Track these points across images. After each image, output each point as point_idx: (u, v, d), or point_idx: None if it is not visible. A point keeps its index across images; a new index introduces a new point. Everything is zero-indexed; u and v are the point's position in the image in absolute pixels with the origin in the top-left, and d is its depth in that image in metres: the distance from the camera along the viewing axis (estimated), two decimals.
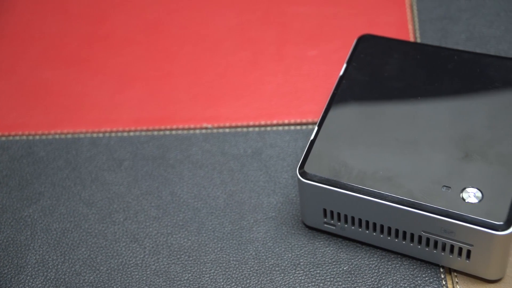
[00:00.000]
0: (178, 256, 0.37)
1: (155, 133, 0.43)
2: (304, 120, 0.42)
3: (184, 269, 0.36)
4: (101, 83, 0.45)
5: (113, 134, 0.43)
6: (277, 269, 0.36)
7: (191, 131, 0.42)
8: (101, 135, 0.43)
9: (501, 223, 0.31)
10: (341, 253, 0.36)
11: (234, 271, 0.36)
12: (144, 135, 0.42)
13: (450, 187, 0.32)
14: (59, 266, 0.37)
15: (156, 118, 0.43)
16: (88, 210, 0.39)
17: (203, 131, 0.42)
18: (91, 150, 0.42)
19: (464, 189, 0.32)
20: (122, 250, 0.37)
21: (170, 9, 0.49)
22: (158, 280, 0.36)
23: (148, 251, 0.37)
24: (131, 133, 0.43)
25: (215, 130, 0.42)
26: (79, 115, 0.44)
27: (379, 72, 0.37)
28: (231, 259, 0.36)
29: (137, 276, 0.36)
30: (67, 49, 0.47)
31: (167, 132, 0.43)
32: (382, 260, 0.35)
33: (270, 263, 0.36)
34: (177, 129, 0.43)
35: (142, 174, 0.40)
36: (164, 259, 0.37)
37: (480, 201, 0.31)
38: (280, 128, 0.42)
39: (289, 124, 0.42)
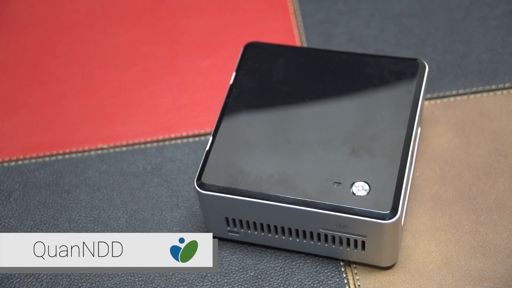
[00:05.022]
0: (80, 285, 0.35)
1: (47, 159, 0.41)
2: (202, 131, 0.42)
3: None
4: None
5: None
6: (184, 283, 0.35)
7: (86, 153, 0.41)
8: None
9: (388, 212, 0.32)
10: (247, 259, 0.36)
11: None
12: (34, 162, 0.40)
13: (340, 183, 0.33)
14: None
15: (46, 144, 0.41)
16: None
17: (99, 152, 0.41)
18: None
19: (353, 183, 0.33)
20: (15, 287, 0.35)
21: (53, 30, 0.47)
22: None
23: (45, 283, 0.35)
24: (19, 162, 0.40)
25: (111, 150, 0.41)
26: None
27: (267, 78, 0.38)
28: (136, 279, 0.36)
29: None
30: None
31: (60, 157, 0.41)
32: (287, 261, 0.36)
33: (177, 278, 0.36)
34: (70, 152, 0.41)
35: (35, 204, 0.39)
36: None
37: (368, 193, 0.33)
38: (179, 141, 0.41)
39: (187, 137, 0.42)
